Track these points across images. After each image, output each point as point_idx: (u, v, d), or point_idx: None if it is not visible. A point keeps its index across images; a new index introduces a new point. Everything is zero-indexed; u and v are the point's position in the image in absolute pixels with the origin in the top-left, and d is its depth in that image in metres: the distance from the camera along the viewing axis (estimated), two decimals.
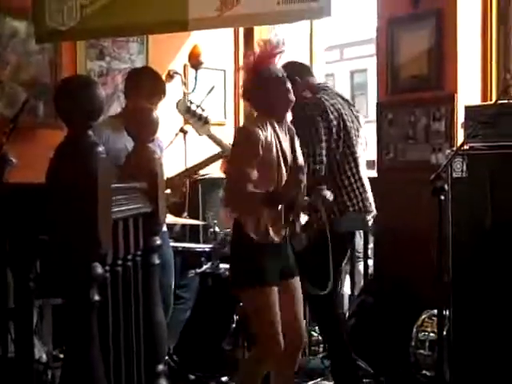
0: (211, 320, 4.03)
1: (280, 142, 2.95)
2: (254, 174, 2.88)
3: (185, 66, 5.40)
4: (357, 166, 3.46)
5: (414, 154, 4.40)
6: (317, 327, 4.01)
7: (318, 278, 3.20)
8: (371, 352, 3.93)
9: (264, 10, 3.31)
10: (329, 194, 3.03)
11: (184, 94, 5.29)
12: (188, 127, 3.96)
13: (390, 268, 4.41)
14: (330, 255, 3.07)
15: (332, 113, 3.39)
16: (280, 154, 2.94)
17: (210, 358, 3.96)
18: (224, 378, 3.86)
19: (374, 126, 4.65)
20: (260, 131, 2.88)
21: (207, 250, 4.36)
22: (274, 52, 3.00)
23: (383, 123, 4.57)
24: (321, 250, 3.11)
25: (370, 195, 3.54)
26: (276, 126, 2.97)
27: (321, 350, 4.26)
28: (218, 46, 5.55)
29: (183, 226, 4.84)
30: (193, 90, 5.31)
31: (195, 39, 5.30)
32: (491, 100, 4.12)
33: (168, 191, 3.44)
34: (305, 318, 3.59)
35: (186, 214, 4.30)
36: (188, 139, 4.29)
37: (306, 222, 3.20)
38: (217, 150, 3.58)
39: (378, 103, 4.67)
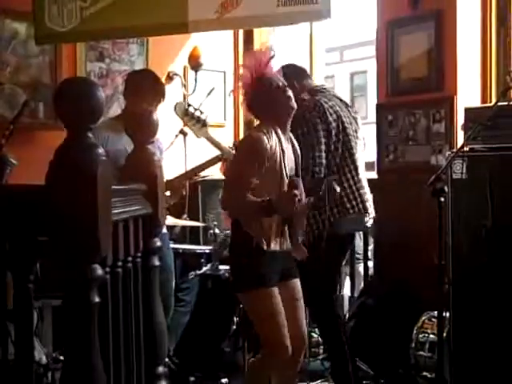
0: (211, 322, 4.04)
1: (283, 149, 2.97)
2: (253, 181, 2.88)
3: (185, 68, 5.40)
4: (356, 167, 3.46)
5: (413, 155, 4.40)
6: (317, 329, 4.01)
7: (318, 280, 3.19)
8: (371, 354, 3.93)
9: (264, 12, 3.31)
10: (338, 188, 3.06)
11: (184, 95, 5.30)
12: (188, 129, 3.97)
13: (390, 269, 4.41)
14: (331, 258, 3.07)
15: (331, 115, 3.39)
16: (282, 162, 2.95)
17: (209, 359, 3.97)
18: (224, 380, 3.86)
19: (373, 128, 4.65)
20: (266, 139, 2.89)
21: (207, 251, 4.37)
22: (268, 60, 3.01)
23: (383, 125, 4.57)
24: (320, 253, 3.11)
25: (369, 196, 3.54)
26: (280, 133, 2.98)
27: (321, 351, 4.26)
28: (217, 48, 5.54)
29: (183, 227, 4.84)
30: (192, 92, 5.31)
31: (195, 41, 5.29)
32: (491, 102, 4.12)
33: (168, 193, 3.44)
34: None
35: (185, 215, 4.30)
36: (188, 141, 4.29)
37: (306, 226, 3.21)
38: (217, 152, 3.59)
39: (377, 105, 4.68)
